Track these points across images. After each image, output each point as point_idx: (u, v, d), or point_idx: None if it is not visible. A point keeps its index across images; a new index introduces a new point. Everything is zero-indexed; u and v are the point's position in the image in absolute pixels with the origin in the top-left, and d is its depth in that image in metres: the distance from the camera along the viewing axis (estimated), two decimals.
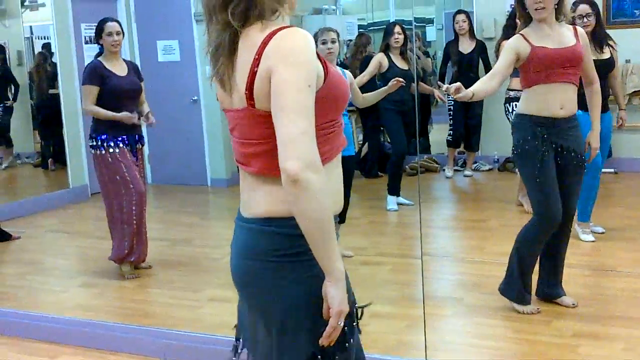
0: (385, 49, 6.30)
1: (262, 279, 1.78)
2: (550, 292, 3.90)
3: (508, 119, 6.02)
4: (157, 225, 6.08)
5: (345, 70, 4.90)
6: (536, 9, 3.58)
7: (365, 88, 5.32)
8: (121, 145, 4.65)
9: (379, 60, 6.28)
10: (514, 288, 3.82)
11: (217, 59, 1.77)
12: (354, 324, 1.81)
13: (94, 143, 4.64)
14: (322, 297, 1.72)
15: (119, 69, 4.73)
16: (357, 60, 7.67)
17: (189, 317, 4.09)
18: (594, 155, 3.86)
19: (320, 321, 1.72)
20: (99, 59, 4.74)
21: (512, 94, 5.97)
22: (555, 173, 3.68)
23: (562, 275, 3.91)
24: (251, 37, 1.72)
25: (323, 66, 1.73)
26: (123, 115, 4.59)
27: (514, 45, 3.66)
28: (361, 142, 8.12)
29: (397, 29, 6.26)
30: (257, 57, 1.69)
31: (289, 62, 1.65)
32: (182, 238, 5.87)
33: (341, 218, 4.82)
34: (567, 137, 3.69)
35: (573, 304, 3.85)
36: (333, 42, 4.68)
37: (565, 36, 3.67)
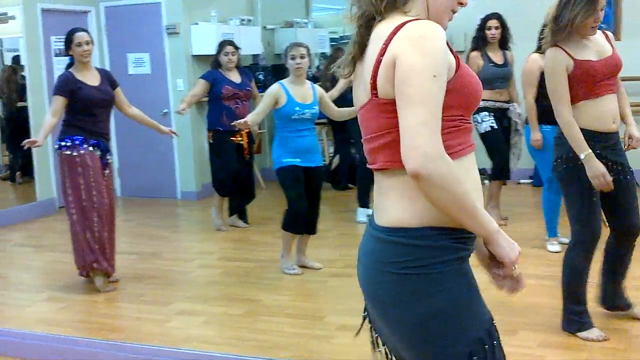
0: None
1: (388, 291, 1.72)
2: (620, 302, 3.83)
3: (476, 129, 6.02)
4: (126, 239, 6.04)
5: (315, 85, 4.92)
6: (593, 27, 3.35)
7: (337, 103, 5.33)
8: (91, 149, 4.60)
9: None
10: (574, 320, 3.68)
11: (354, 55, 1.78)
12: (494, 342, 1.74)
13: (65, 144, 4.57)
14: (452, 315, 1.68)
15: (91, 79, 4.69)
16: (331, 72, 7.69)
17: (157, 331, 4.06)
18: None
19: (448, 341, 1.68)
20: (69, 70, 4.70)
21: (480, 104, 6.00)
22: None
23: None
24: (381, 29, 1.72)
25: (455, 59, 1.71)
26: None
27: (561, 61, 3.38)
28: (332, 155, 8.14)
29: None
30: (384, 45, 1.68)
31: (416, 49, 1.63)
32: (152, 251, 5.83)
33: (312, 229, 4.86)
34: (616, 151, 3.51)
35: None
36: (302, 57, 4.73)
37: (601, 44, 3.46)
